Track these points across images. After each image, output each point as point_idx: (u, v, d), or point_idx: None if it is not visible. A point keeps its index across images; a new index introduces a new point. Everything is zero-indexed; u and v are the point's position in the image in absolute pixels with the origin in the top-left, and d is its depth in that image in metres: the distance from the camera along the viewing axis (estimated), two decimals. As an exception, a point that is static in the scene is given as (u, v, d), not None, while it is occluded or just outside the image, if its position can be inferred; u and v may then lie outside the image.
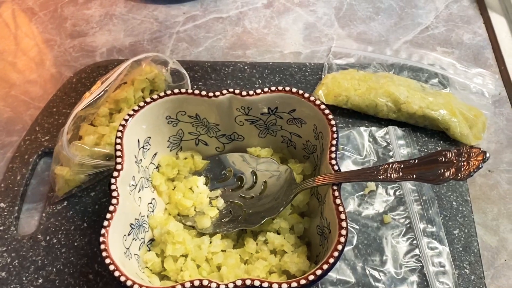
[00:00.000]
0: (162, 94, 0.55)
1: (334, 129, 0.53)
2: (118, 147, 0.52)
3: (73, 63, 0.79)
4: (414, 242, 0.59)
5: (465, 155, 0.45)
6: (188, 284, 0.44)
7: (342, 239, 0.46)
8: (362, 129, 0.68)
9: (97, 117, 0.65)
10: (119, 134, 0.53)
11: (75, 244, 0.60)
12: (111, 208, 0.48)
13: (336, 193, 0.49)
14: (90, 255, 0.59)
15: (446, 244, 0.58)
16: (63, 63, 0.79)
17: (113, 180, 0.49)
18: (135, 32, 0.82)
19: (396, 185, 0.63)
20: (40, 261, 0.59)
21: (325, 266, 0.44)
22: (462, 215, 0.61)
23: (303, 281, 0.44)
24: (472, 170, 0.44)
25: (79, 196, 0.64)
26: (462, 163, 0.45)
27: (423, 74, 0.73)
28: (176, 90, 0.56)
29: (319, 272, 0.44)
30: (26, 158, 0.67)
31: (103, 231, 0.47)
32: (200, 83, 0.74)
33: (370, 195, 0.63)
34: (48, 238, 0.60)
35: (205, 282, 0.44)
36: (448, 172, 0.45)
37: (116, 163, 0.51)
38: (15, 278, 0.58)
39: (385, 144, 0.66)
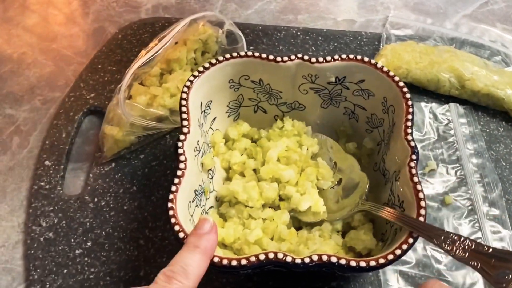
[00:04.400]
0: (228, 56, 0.52)
1: (410, 103, 0.50)
2: (184, 109, 0.49)
3: (117, 19, 0.75)
4: (476, 225, 0.57)
5: None
6: (262, 256, 0.42)
7: (422, 219, 0.44)
8: (422, 104, 0.65)
9: (148, 77, 0.62)
10: (184, 95, 0.50)
11: (125, 208, 0.58)
12: (178, 172, 0.46)
13: (414, 171, 0.46)
14: (141, 220, 0.57)
15: (509, 228, 0.56)
16: (106, 18, 0.75)
17: (180, 144, 0.47)
18: (181, -10, 0.79)
19: (457, 165, 0.61)
20: (88, 223, 0.57)
21: (405, 246, 0.42)
22: (525, 199, 0.59)
23: (382, 260, 0.42)
24: None
25: (127, 158, 0.61)
26: None
27: (485, 50, 0.70)
28: (242, 53, 0.53)
29: (398, 252, 0.42)
30: (71, 115, 0.64)
31: (171, 196, 0.44)
32: (251, 47, 0.70)
33: (430, 174, 0.60)
34: (96, 200, 0.58)
35: (280, 255, 0.42)
36: None
37: (183, 126, 0.48)
38: (63, 239, 0.56)
39: (446, 121, 0.64)
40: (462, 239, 0.41)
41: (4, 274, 0.54)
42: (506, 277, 0.39)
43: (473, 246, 0.41)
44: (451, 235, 0.42)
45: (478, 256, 0.40)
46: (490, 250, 0.40)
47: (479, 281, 0.53)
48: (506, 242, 0.55)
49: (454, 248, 0.41)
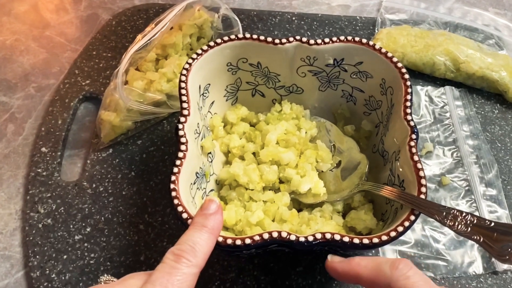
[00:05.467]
0: (226, 38, 0.52)
1: (408, 83, 0.50)
2: (183, 91, 0.49)
3: (110, 5, 0.75)
4: (474, 205, 0.57)
5: None
6: (266, 235, 0.42)
7: (423, 197, 0.44)
8: (418, 87, 0.65)
9: (144, 62, 0.62)
10: (183, 78, 0.50)
11: (123, 193, 0.57)
12: (180, 154, 0.45)
13: (414, 150, 0.46)
14: (140, 205, 0.57)
15: (506, 207, 0.57)
16: (99, 5, 0.75)
17: (180, 126, 0.47)
18: (175, -24, 0.78)
19: (454, 146, 0.61)
20: (87, 209, 0.56)
21: (406, 223, 0.43)
22: (521, 179, 0.59)
23: (384, 237, 0.42)
24: None
25: (125, 144, 0.61)
26: None
27: (479, 34, 0.71)
28: (240, 35, 0.53)
29: (400, 228, 0.42)
30: (66, 102, 0.64)
31: (173, 178, 0.44)
32: (246, 33, 0.70)
33: (427, 156, 0.61)
34: (94, 185, 0.58)
35: (283, 234, 0.42)
36: None
37: (183, 108, 0.48)
38: (61, 225, 0.55)
39: (441, 104, 0.64)
40: (464, 214, 0.42)
41: (2, 261, 0.54)
42: (509, 249, 0.39)
43: (474, 221, 0.42)
44: (453, 210, 0.42)
45: (480, 230, 0.41)
46: (492, 224, 0.41)
47: (477, 259, 0.54)
48: (503, 221, 0.56)
49: (456, 223, 0.42)
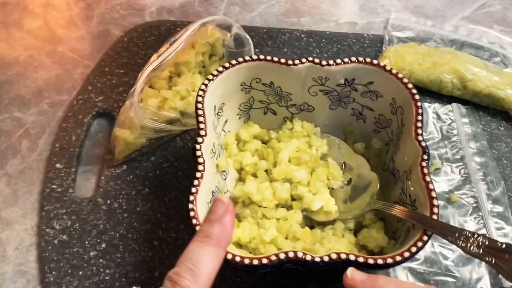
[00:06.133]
0: (241, 60, 0.54)
1: (419, 104, 0.51)
2: (200, 112, 0.50)
3: (122, 22, 0.76)
4: (481, 221, 0.58)
5: None
6: (282, 255, 0.43)
7: (435, 217, 0.45)
8: (425, 105, 0.67)
9: (157, 80, 0.63)
10: (200, 99, 0.51)
11: (138, 209, 0.58)
12: (198, 174, 0.47)
13: (426, 170, 0.48)
14: (154, 221, 0.57)
15: (513, 224, 0.58)
16: (110, 21, 0.76)
17: (198, 146, 0.48)
18: (185, -8, 0.80)
19: (461, 163, 0.62)
20: (102, 225, 0.57)
21: (420, 244, 0.44)
22: (527, 196, 0.61)
23: (398, 258, 0.43)
24: None
25: (138, 160, 0.62)
26: None
27: (484, 52, 0.72)
28: (255, 57, 0.54)
29: (414, 249, 0.43)
30: (80, 118, 0.65)
31: (191, 198, 0.45)
32: (256, 50, 0.71)
33: (435, 172, 0.62)
34: (108, 202, 0.59)
35: (299, 254, 0.43)
36: None
37: (200, 129, 0.49)
38: (77, 241, 0.56)
39: (449, 121, 0.66)
40: (476, 236, 0.43)
41: (19, 276, 0.55)
42: None
43: (486, 243, 0.43)
44: (465, 232, 0.43)
45: (492, 251, 0.42)
46: (504, 245, 0.42)
47: (485, 276, 0.55)
48: (510, 238, 0.57)
49: (469, 244, 0.43)
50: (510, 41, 0.74)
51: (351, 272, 0.41)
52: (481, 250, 0.42)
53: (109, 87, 0.67)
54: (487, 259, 0.42)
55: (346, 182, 0.56)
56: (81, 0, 0.78)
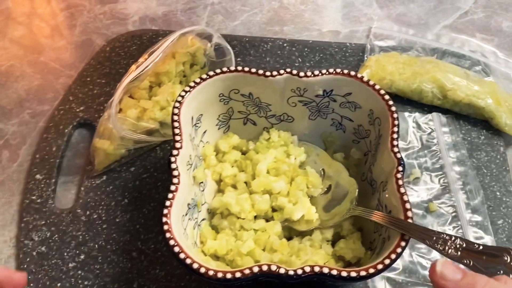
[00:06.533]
0: (218, 71, 0.54)
1: (395, 115, 0.52)
2: (176, 124, 0.50)
3: (104, 31, 0.76)
4: (460, 231, 0.59)
5: None
6: (256, 269, 0.43)
7: (410, 221, 0.45)
8: (406, 114, 0.67)
9: (137, 90, 0.63)
10: (176, 111, 0.51)
11: (117, 220, 0.58)
12: (172, 187, 0.47)
13: (400, 182, 0.48)
14: (133, 232, 0.57)
15: (491, 233, 0.58)
16: (93, 30, 0.76)
17: (173, 159, 0.48)
18: (168, 1, 0.80)
19: (441, 172, 0.62)
20: (81, 237, 0.57)
21: (399, 250, 0.44)
22: (506, 205, 0.61)
23: (371, 270, 0.43)
24: None
25: (118, 171, 0.62)
26: None
27: (466, 61, 0.72)
28: (232, 68, 0.54)
29: (387, 261, 0.43)
30: (61, 128, 0.65)
31: (165, 211, 0.45)
32: (239, 59, 0.71)
33: (415, 182, 0.62)
34: (88, 213, 0.59)
35: (273, 268, 0.43)
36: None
37: (175, 141, 0.49)
38: (55, 253, 0.56)
39: (429, 130, 0.66)
40: (453, 238, 0.43)
41: (-3, 289, 0.54)
42: (498, 272, 0.40)
43: (464, 245, 0.43)
44: (442, 235, 0.44)
45: (470, 254, 0.42)
46: (481, 247, 0.42)
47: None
48: (488, 248, 0.57)
49: (446, 247, 0.43)
50: (492, 50, 0.74)
51: (441, 266, 0.39)
52: (459, 253, 0.42)
53: (90, 97, 0.67)
54: (465, 261, 0.42)
55: (325, 189, 0.56)
56: (64, 9, 0.78)
